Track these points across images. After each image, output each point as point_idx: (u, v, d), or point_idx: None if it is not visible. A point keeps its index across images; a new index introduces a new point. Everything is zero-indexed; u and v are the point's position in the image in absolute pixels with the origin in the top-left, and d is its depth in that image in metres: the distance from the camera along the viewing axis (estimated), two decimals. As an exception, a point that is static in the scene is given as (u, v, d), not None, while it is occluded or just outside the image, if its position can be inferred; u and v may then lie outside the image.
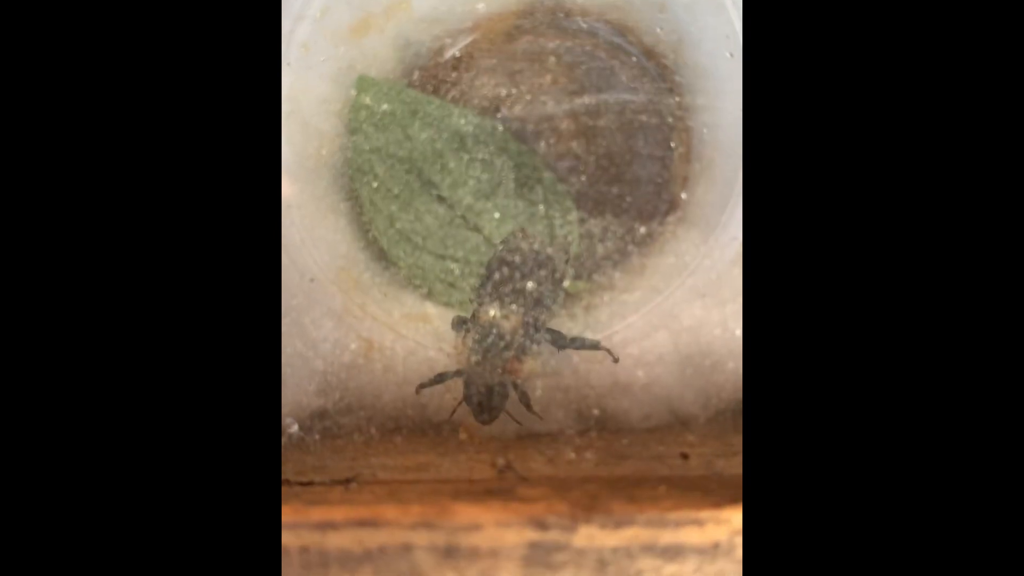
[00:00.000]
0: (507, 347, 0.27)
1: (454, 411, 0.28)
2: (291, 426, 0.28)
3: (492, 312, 0.27)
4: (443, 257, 0.30)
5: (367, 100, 0.29)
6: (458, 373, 0.27)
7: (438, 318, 0.29)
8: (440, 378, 0.28)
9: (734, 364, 0.28)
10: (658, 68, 0.30)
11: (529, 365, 0.27)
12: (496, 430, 0.28)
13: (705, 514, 0.21)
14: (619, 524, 0.21)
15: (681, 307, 0.28)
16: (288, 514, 0.21)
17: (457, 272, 0.30)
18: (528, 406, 0.27)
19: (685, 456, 0.27)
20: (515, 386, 0.27)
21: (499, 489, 0.23)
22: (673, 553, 0.21)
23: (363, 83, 0.29)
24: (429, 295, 0.30)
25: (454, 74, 0.30)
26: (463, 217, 0.30)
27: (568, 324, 0.29)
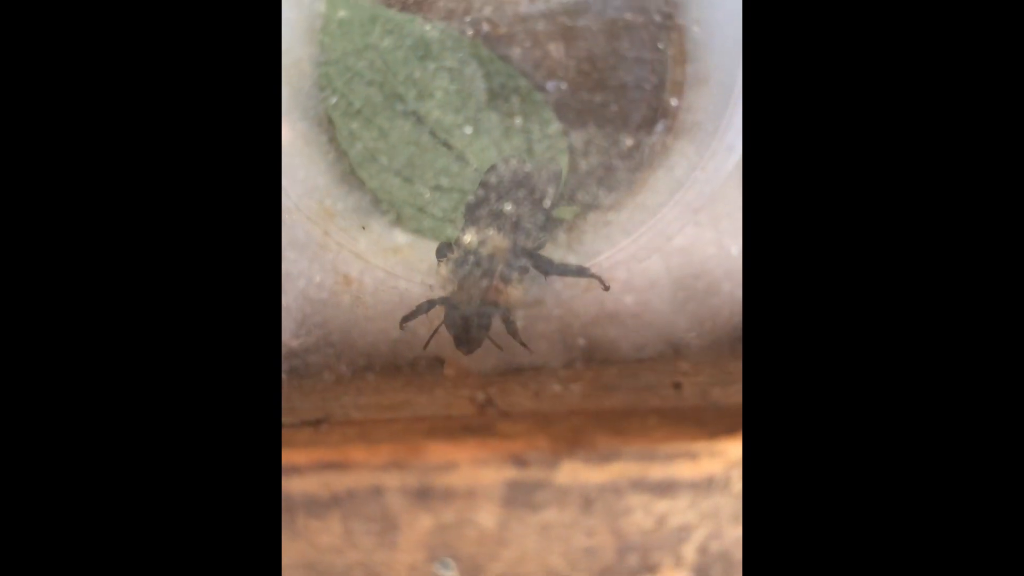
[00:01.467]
0: (485, 275, 0.25)
1: (428, 341, 0.26)
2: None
3: (468, 238, 0.25)
4: (410, 178, 0.27)
5: (321, 7, 0.26)
6: (439, 302, 0.25)
7: (408, 247, 0.27)
8: (420, 308, 0.26)
9: (730, 286, 0.26)
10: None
11: (513, 293, 0.25)
12: (477, 364, 0.27)
13: (699, 446, 0.20)
14: (605, 458, 0.20)
15: (673, 226, 0.26)
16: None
17: (427, 195, 0.27)
18: (515, 335, 0.26)
19: (678, 386, 0.25)
20: (503, 316, 0.25)
21: (476, 425, 0.22)
22: (664, 488, 0.20)
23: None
24: (397, 220, 0.28)
25: (416, -27, 0.27)
26: (431, 133, 0.27)
27: (549, 248, 0.27)
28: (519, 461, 0.20)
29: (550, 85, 0.28)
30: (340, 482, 0.20)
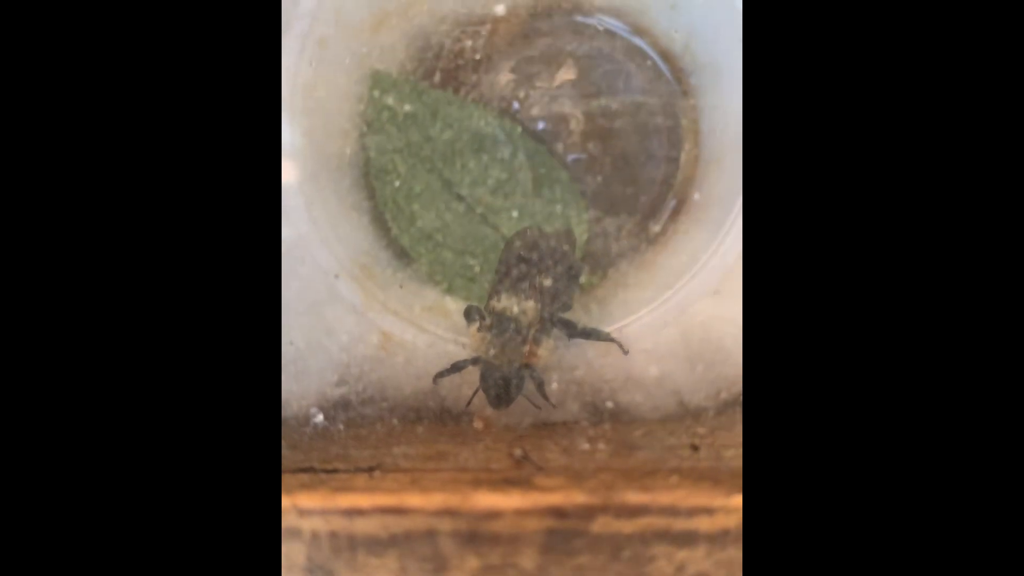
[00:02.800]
0: (524, 341, 0.27)
1: (471, 400, 0.28)
2: (316, 415, 0.28)
3: (510, 306, 0.28)
4: (463, 253, 0.30)
5: (389, 101, 0.30)
6: (474, 362, 0.28)
7: (457, 313, 0.30)
8: (456, 367, 0.28)
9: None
10: (673, 71, 0.31)
11: (544, 353, 0.28)
12: (511, 420, 0.29)
13: (716, 503, 0.22)
14: (634, 513, 0.22)
15: (691, 303, 0.29)
16: (316, 500, 0.22)
17: (477, 269, 0.30)
18: (544, 395, 0.28)
19: (695, 448, 0.27)
20: (532, 375, 0.28)
21: (517, 478, 0.24)
22: (685, 540, 0.22)
23: (378, 78, 0.30)
24: (449, 290, 0.30)
25: (474, 76, 0.31)
26: (483, 216, 0.31)
27: (584, 319, 0.29)
28: (558, 513, 0.22)
29: (571, 157, 0.31)
30: (398, 524, 0.22)
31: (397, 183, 0.30)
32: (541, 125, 0.31)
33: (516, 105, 0.31)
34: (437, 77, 0.31)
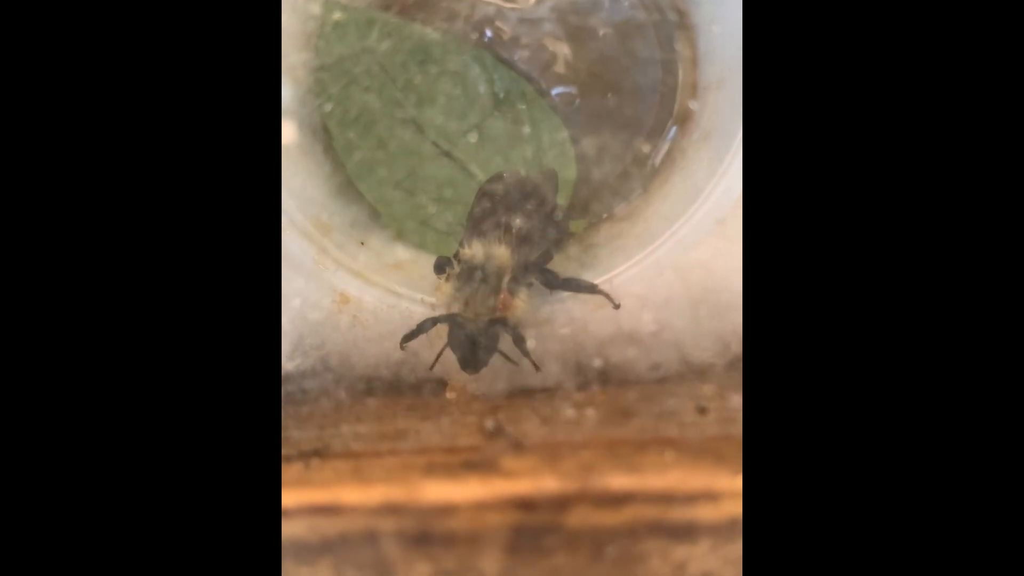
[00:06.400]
0: (493, 292, 0.24)
1: (436, 359, 0.25)
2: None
3: (473, 251, 0.24)
4: (412, 191, 0.26)
5: (315, 9, 0.25)
6: (442, 320, 0.24)
7: (410, 263, 0.26)
8: (423, 327, 0.25)
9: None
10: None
11: (519, 305, 0.24)
12: (484, 386, 0.25)
13: (720, 485, 0.19)
14: (619, 501, 0.19)
15: (693, 238, 0.25)
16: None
17: (431, 209, 0.26)
18: (524, 352, 0.24)
19: (703, 411, 0.23)
20: (508, 331, 0.24)
21: (479, 461, 0.21)
22: (683, 533, 0.19)
23: None
24: (399, 235, 0.26)
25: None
26: (434, 143, 0.26)
27: (562, 262, 0.25)
28: (526, 505, 0.19)
29: (556, 92, 0.26)
30: (332, 526, 0.19)
31: (329, 106, 0.26)
32: (517, 56, 0.26)
33: (489, 34, 0.26)
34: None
